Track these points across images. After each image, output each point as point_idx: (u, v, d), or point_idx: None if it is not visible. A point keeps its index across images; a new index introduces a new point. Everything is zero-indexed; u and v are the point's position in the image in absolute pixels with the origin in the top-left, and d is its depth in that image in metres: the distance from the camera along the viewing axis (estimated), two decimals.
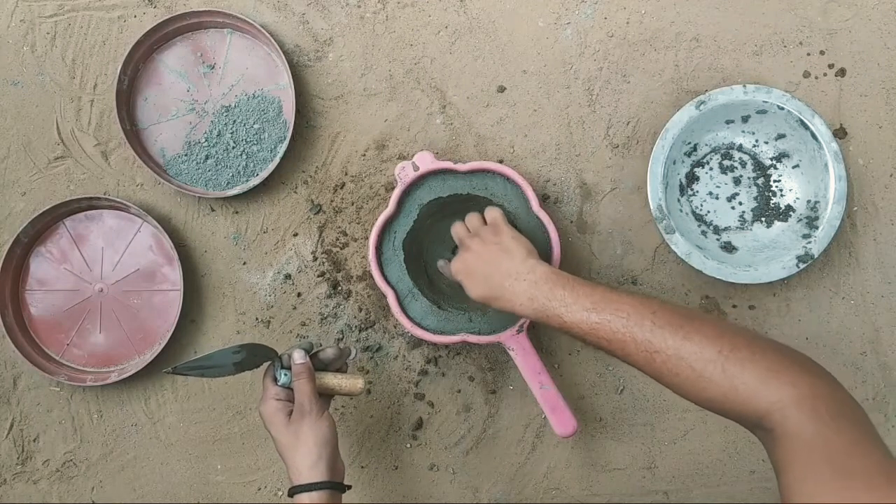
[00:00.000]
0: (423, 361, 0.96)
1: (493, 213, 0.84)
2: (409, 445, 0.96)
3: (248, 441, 0.97)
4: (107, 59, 0.97)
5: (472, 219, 0.85)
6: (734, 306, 0.95)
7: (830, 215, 0.88)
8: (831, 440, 0.52)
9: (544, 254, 0.88)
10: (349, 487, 0.78)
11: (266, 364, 0.80)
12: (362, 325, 0.96)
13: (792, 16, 0.94)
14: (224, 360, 0.77)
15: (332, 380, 0.80)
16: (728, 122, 0.92)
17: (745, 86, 0.89)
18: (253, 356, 0.79)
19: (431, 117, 0.96)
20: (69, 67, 0.97)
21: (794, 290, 0.94)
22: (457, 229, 0.85)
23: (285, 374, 0.79)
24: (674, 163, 0.92)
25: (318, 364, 0.81)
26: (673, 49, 0.94)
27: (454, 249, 0.95)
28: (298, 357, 0.79)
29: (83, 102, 0.97)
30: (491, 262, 0.77)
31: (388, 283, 0.89)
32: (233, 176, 0.95)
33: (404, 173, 0.88)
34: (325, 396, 0.80)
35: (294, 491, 0.74)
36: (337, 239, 0.96)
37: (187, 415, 0.97)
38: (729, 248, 0.92)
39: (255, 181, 0.94)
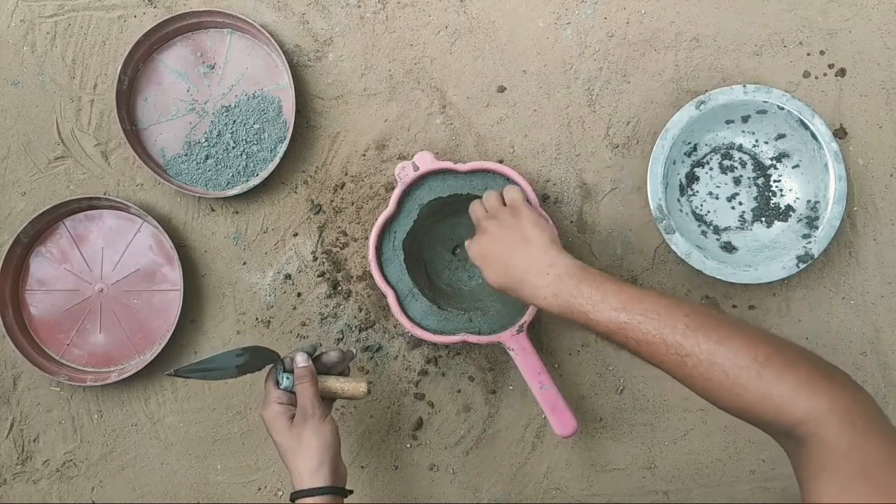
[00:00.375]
0: (423, 361, 0.96)
1: (512, 194, 0.80)
2: (409, 445, 0.96)
3: (248, 441, 0.97)
4: (107, 59, 0.97)
5: (491, 198, 0.81)
6: (734, 306, 0.95)
7: (830, 215, 0.88)
8: (867, 452, 0.52)
9: None
10: (351, 492, 0.77)
11: (268, 367, 0.80)
12: (362, 325, 0.96)
13: (792, 16, 0.94)
14: (226, 363, 0.77)
15: (334, 383, 0.80)
16: (728, 122, 0.92)
17: (745, 86, 0.89)
18: (255, 359, 0.79)
19: (431, 117, 0.96)
20: (69, 67, 0.97)
21: (794, 290, 0.94)
22: (474, 209, 0.81)
23: (287, 378, 0.78)
24: (674, 163, 0.92)
25: (320, 367, 0.80)
26: (673, 49, 0.94)
27: (454, 249, 0.96)
28: (301, 360, 0.78)
29: (83, 102, 0.97)
30: (510, 250, 0.74)
31: (388, 283, 0.89)
32: (233, 176, 0.95)
33: (404, 173, 0.88)
34: (327, 400, 0.80)
35: (296, 496, 0.73)
36: (337, 239, 0.96)
37: (187, 415, 0.97)
38: (729, 248, 0.92)
39: (255, 181, 0.94)
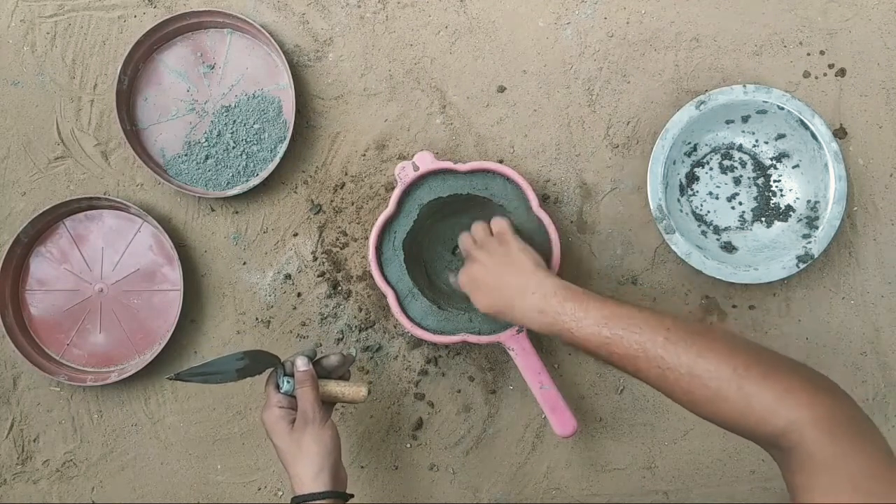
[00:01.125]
0: (423, 361, 0.96)
1: (499, 224, 0.83)
2: (409, 445, 0.96)
3: (248, 441, 0.97)
4: (107, 59, 0.97)
5: (479, 229, 0.84)
6: (734, 306, 0.95)
7: (830, 215, 0.88)
8: (851, 462, 0.52)
9: (544, 254, 0.87)
10: (352, 496, 0.77)
11: (269, 371, 0.80)
12: (362, 325, 0.96)
13: (792, 16, 0.94)
14: (227, 367, 0.77)
15: (335, 387, 0.80)
16: (728, 122, 0.92)
17: (745, 86, 0.89)
18: (256, 363, 0.79)
19: (431, 117, 0.96)
20: (69, 67, 0.97)
21: (794, 290, 0.94)
22: (464, 240, 0.84)
23: (288, 382, 0.78)
24: (674, 163, 0.92)
25: (320, 371, 0.80)
26: (673, 49, 0.94)
27: (454, 249, 0.96)
28: (301, 364, 0.78)
29: (83, 102, 0.97)
30: (498, 275, 0.77)
31: (388, 283, 0.89)
32: (233, 176, 0.95)
33: (404, 173, 0.88)
34: (327, 404, 0.80)
35: (297, 500, 0.73)
36: (337, 239, 0.96)
37: (187, 415, 0.97)
38: (729, 248, 0.92)
39: (255, 181, 0.94)
